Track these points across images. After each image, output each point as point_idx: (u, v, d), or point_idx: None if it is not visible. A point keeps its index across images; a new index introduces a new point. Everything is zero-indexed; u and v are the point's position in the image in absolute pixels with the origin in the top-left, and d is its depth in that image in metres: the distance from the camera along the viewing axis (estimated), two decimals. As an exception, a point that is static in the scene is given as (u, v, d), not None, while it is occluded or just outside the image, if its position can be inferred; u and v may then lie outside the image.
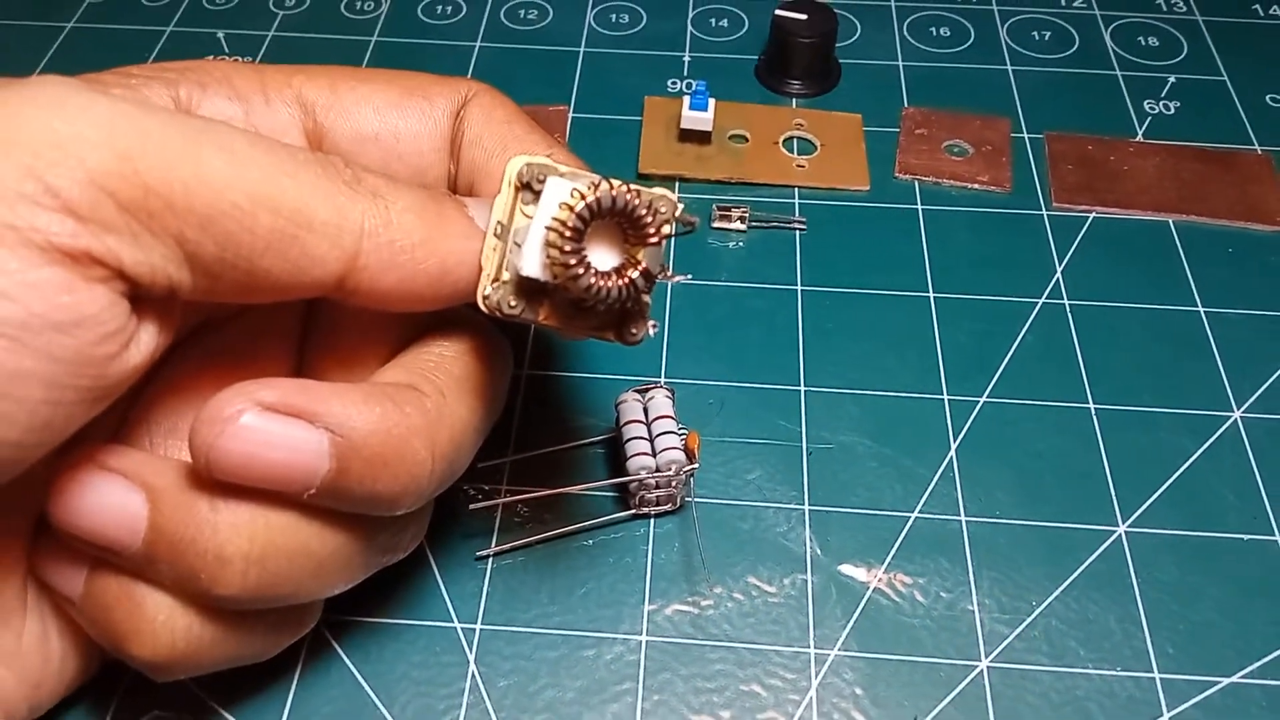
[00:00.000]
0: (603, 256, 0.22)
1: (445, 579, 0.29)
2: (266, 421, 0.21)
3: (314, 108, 0.26)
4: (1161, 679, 0.28)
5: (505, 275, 0.23)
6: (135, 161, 0.19)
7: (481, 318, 0.24)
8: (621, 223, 0.22)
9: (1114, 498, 0.31)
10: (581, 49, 0.46)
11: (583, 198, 0.21)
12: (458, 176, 0.27)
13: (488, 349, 0.26)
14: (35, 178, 0.19)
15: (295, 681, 0.27)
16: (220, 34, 0.47)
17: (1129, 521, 0.31)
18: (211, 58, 0.26)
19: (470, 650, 0.28)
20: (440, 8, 0.48)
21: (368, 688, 0.27)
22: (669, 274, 0.23)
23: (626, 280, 0.22)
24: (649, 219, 0.21)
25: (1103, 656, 0.28)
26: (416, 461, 0.23)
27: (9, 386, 0.19)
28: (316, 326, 0.27)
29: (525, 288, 0.22)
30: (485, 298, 0.23)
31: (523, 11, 0.48)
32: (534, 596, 0.29)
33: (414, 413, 0.23)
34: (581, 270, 0.21)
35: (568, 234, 0.21)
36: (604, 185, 0.21)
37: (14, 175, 0.18)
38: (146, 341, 0.21)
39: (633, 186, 0.22)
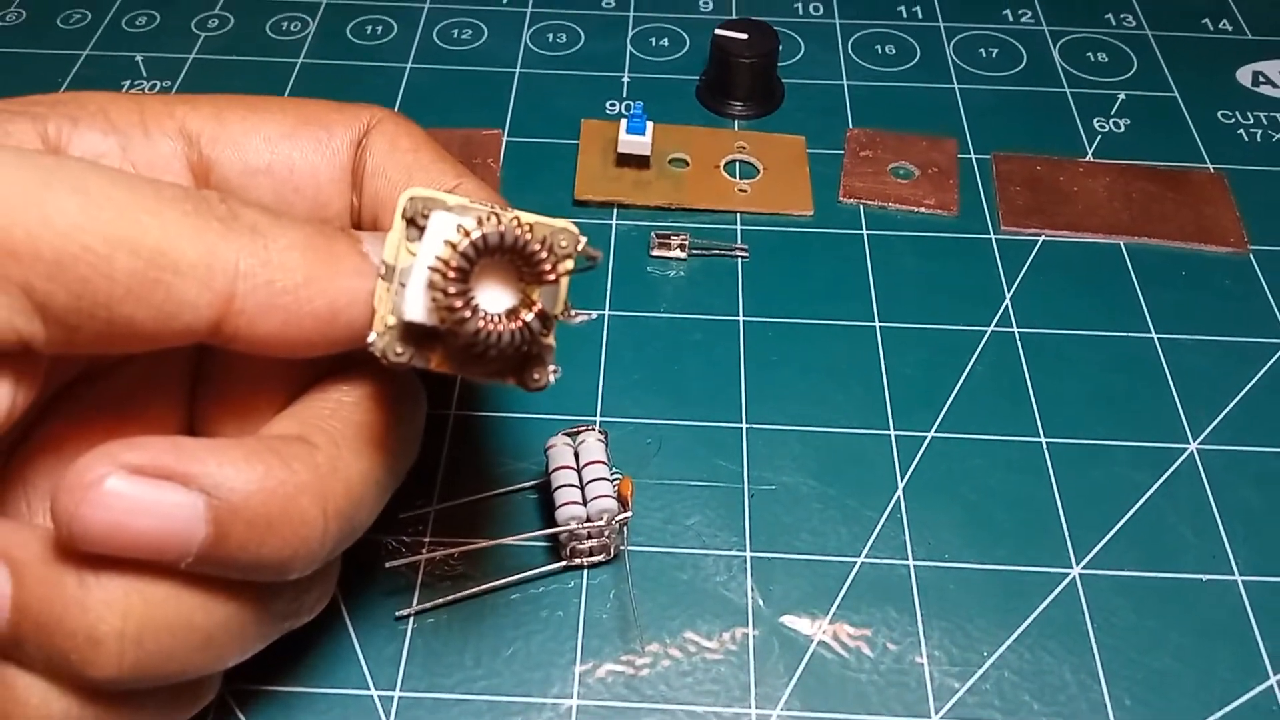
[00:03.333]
0: (496, 296, 0.20)
1: (361, 641, 0.28)
2: (133, 486, 0.19)
3: (199, 139, 0.24)
4: (1119, 732, 0.26)
5: (391, 320, 0.21)
6: None
7: None
8: (515, 260, 0.20)
9: (1068, 537, 0.30)
10: (517, 70, 0.45)
11: (467, 234, 0.19)
12: (361, 210, 0.25)
13: (393, 394, 0.24)
14: None
15: (198, 758, 0.25)
16: (139, 57, 0.45)
17: (1083, 563, 0.29)
18: (101, 90, 0.25)
19: None
20: (370, 28, 0.46)
21: (276, 764, 0.25)
22: (571, 314, 0.21)
23: (520, 324, 0.20)
24: (543, 255, 0.20)
25: (1058, 710, 0.27)
26: (305, 522, 0.21)
27: None
28: (207, 374, 0.25)
29: (413, 333, 0.21)
30: (371, 344, 0.21)
31: (456, 31, 0.46)
32: (457, 659, 0.27)
33: (302, 469, 0.21)
34: (468, 314, 0.19)
35: (451, 275, 0.19)
36: (492, 220, 0.20)
37: None
38: (1, 401, 0.19)
39: (527, 219, 0.20)
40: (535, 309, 0.20)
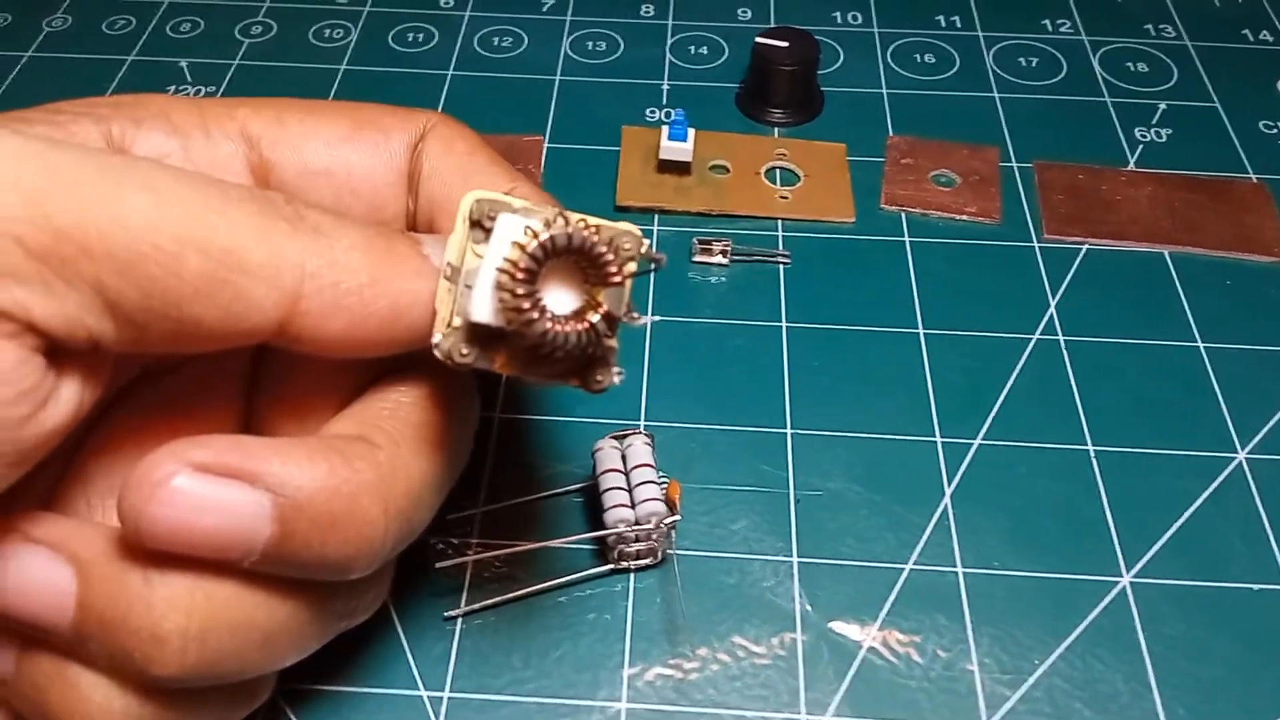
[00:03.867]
0: (561, 298, 0.20)
1: (411, 642, 0.28)
2: (200, 484, 0.20)
3: (259, 142, 0.24)
4: (1172, 742, 0.26)
5: (456, 321, 0.21)
6: (45, 204, 0.18)
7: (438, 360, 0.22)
8: (580, 262, 0.20)
9: (1117, 546, 0.30)
10: (557, 77, 0.45)
11: (535, 236, 0.19)
12: (417, 213, 0.25)
13: (449, 394, 0.24)
14: None
15: (249, 756, 0.26)
16: (183, 63, 0.45)
17: (1133, 571, 0.29)
18: (157, 92, 0.25)
19: (438, 720, 0.26)
20: (411, 35, 0.47)
21: (327, 763, 0.26)
22: (634, 316, 0.21)
23: (586, 325, 0.20)
24: (610, 257, 0.20)
25: (1110, 718, 0.26)
26: (368, 521, 0.21)
27: None
28: (266, 374, 0.25)
29: (478, 334, 0.21)
30: (436, 345, 0.21)
31: (496, 39, 0.47)
32: (506, 660, 0.27)
33: (365, 468, 0.21)
34: (536, 315, 0.20)
35: (519, 276, 0.19)
36: (559, 222, 0.20)
37: None
38: (68, 399, 0.19)
39: (592, 222, 0.20)
40: (601, 311, 0.20)
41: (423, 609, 0.28)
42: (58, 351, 0.19)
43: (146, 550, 0.20)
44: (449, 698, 0.27)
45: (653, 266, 0.21)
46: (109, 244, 0.18)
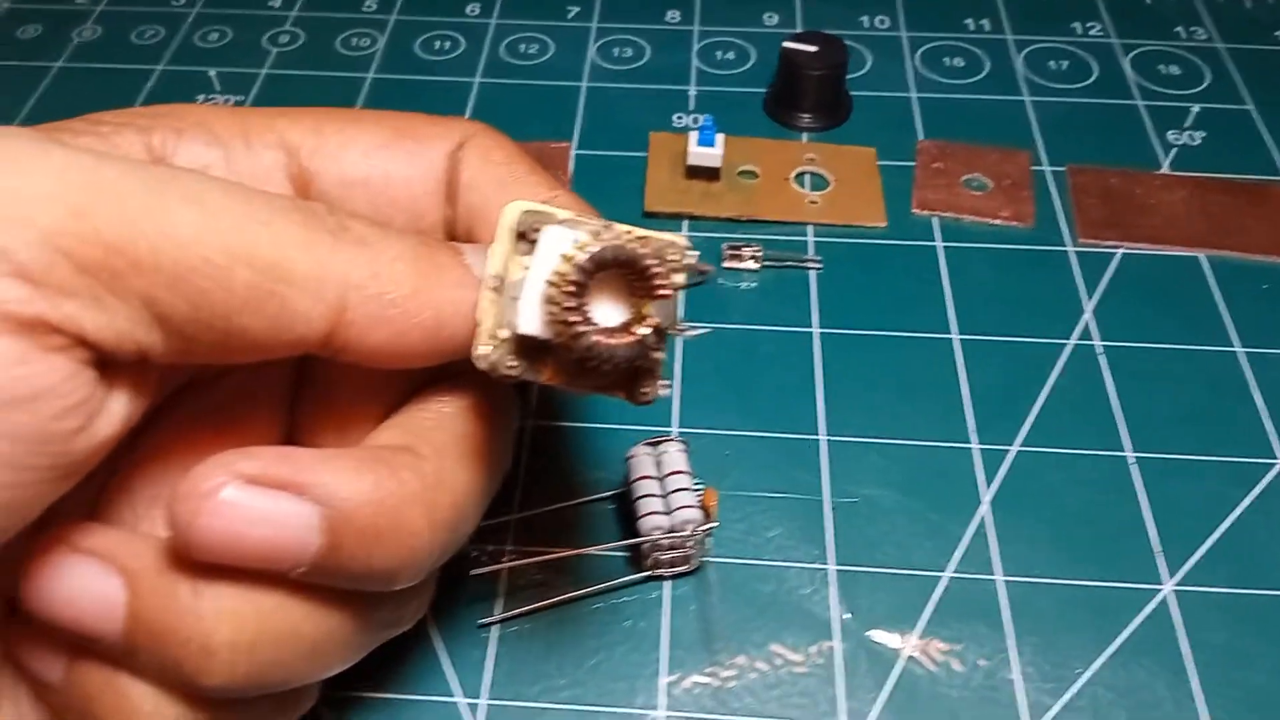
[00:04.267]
0: (608, 310, 0.20)
1: (448, 648, 0.27)
2: (249, 495, 0.20)
3: (298, 151, 0.24)
4: (1217, 752, 0.26)
5: (503, 333, 0.21)
6: (93, 218, 0.18)
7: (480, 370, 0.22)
8: (628, 274, 0.20)
9: (1158, 554, 0.29)
10: (584, 84, 0.45)
11: (583, 248, 0.19)
12: (456, 222, 0.25)
13: (491, 404, 0.24)
14: None
15: (285, 765, 0.25)
16: (212, 72, 0.45)
17: (1175, 579, 0.29)
18: (193, 102, 0.25)
19: (474, 728, 0.26)
20: (438, 43, 0.47)
21: (363, 772, 0.25)
22: (682, 328, 0.21)
23: (635, 338, 0.20)
24: (658, 269, 0.20)
25: (1154, 727, 0.26)
26: (414, 532, 0.21)
27: None
28: (308, 383, 0.25)
29: (525, 346, 0.21)
30: (481, 357, 0.21)
31: (523, 46, 0.47)
32: (542, 667, 0.27)
33: (411, 478, 0.21)
34: (584, 328, 0.19)
35: (567, 289, 0.19)
36: (607, 234, 0.19)
37: None
38: (117, 411, 0.19)
39: (640, 233, 0.20)
40: (649, 323, 0.20)
41: (458, 615, 0.28)
42: (107, 364, 0.19)
43: (195, 561, 0.20)
44: (487, 705, 0.26)
45: (699, 278, 0.20)
46: (158, 257, 0.18)
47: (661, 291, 0.20)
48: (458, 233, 0.25)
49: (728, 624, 0.28)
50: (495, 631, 0.28)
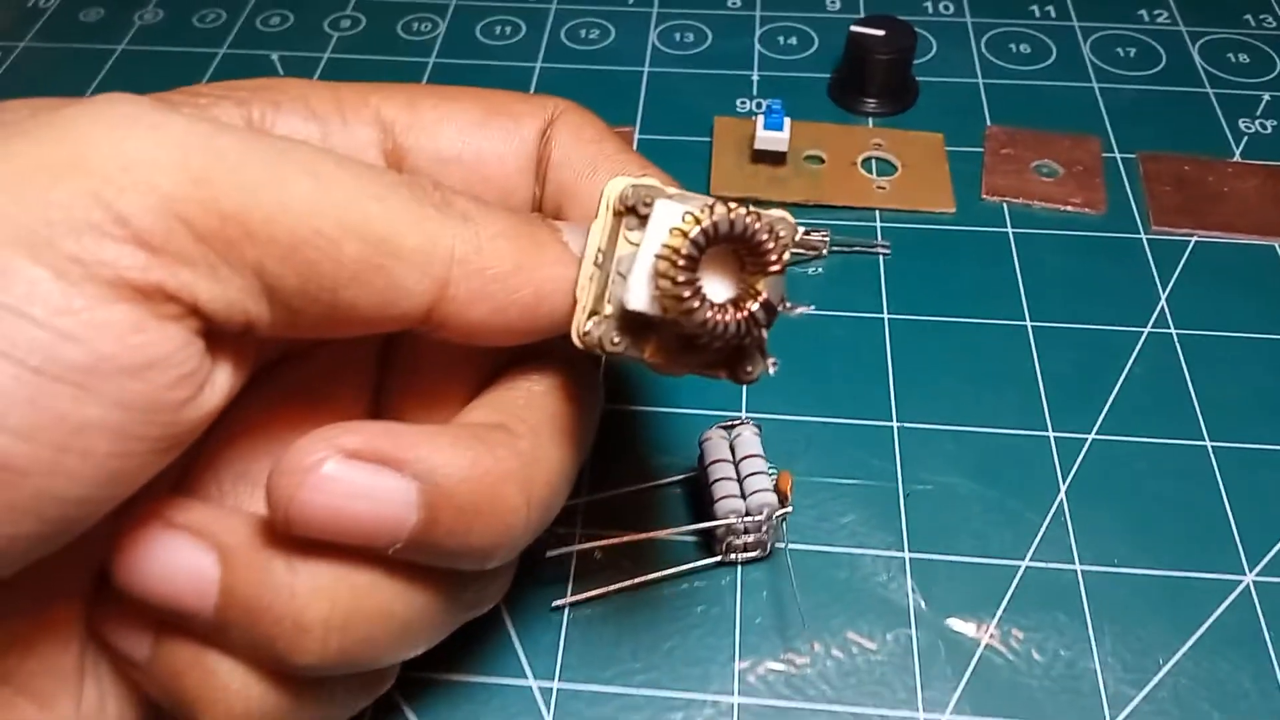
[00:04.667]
0: (717, 286, 0.20)
1: (519, 631, 0.27)
2: (350, 470, 0.19)
3: (393, 127, 0.24)
4: (1305, 745, 0.25)
5: (607, 309, 0.20)
6: (212, 186, 0.17)
7: (570, 349, 0.22)
8: (739, 249, 0.19)
9: (1239, 544, 0.29)
10: (646, 69, 0.44)
11: (697, 222, 0.19)
12: (544, 200, 0.25)
13: (579, 383, 0.24)
14: (103, 205, 0.17)
15: (360, 743, 0.25)
16: (274, 56, 0.46)
17: (1256, 569, 0.28)
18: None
19: (548, 711, 0.26)
20: (499, 28, 0.47)
21: (439, 751, 0.25)
22: (791, 306, 0.20)
23: (745, 314, 0.19)
24: (770, 245, 0.19)
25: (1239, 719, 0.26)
26: (511, 510, 0.21)
27: (73, 439, 0.17)
28: (395, 360, 0.25)
29: (630, 323, 0.20)
30: (585, 334, 0.20)
31: (584, 31, 0.46)
32: (614, 651, 0.27)
33: (507, 456, 0.21)
34: (697, 304, 0.19)
35: (681, 263, 0.19)
36: (720, 208, 0.19)
37: (80, 202, 0.17)
38: (222, 383, 0.19)
39: (751, 208, 0.19)
40: (761, 299, 0.19)
41: (529, 598, 0.28)
42: (214, 335, 0.19)
43: (290, 537, 0.20)
44: (558, 688, 0.26)
45: (811, 254, 0.20)
46: (273, 228, 0.18)
47: (774, 267, 0.19)
48: (545, 211, 0.25)
49: (802, 610, 0.28)
50: (566, 614, 0.28)
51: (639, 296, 0.20)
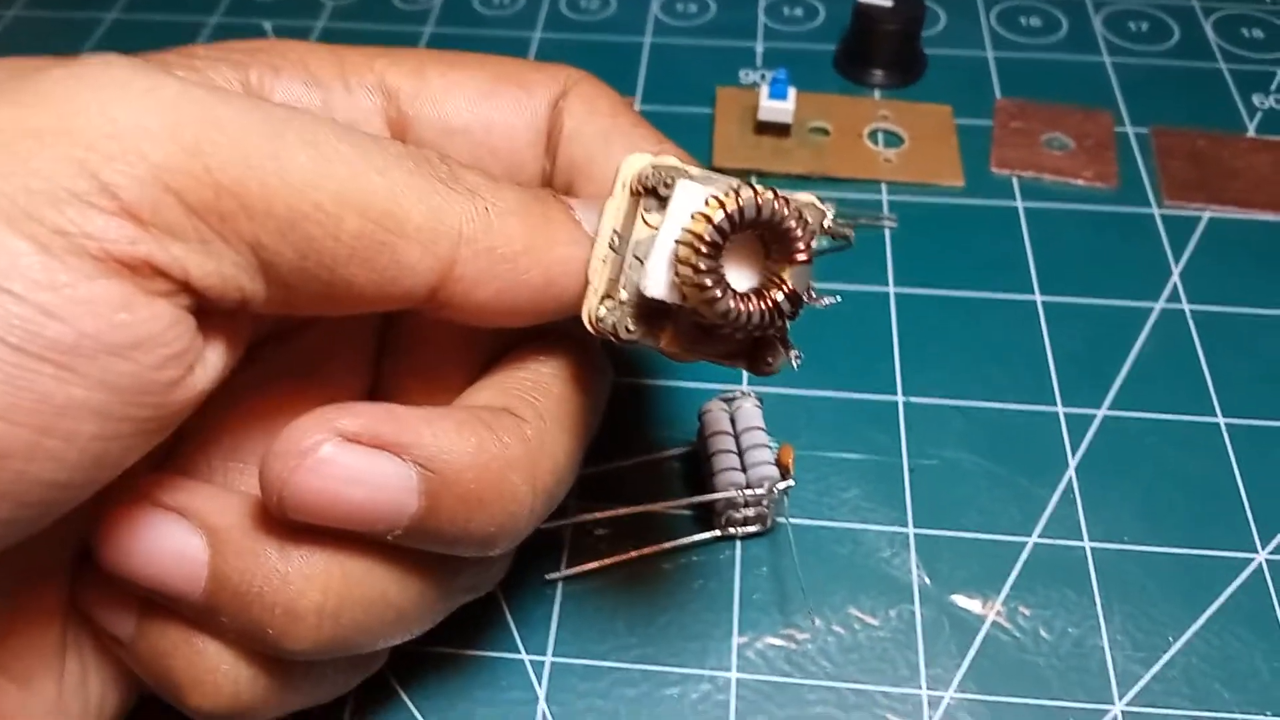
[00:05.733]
0: (739, 274, 0.19)
1: (511, 604, 0.27)
2: (348, 454, 0.19)
3: (398, 95, 0.23)
4: (1318, 727, 0.25)
5: (622, 294, 0.19)
6: (206, 156, 0.17)
7: (578, 329, 0.21)
8: (764, 235, 0.18)
9: (1251, 521, 0.28)
10: (647, 39, 0.44)
11: (721, 206, 0.18)
12: (554, 175, 0.24)
13: (588, 364, 0.23)
14: (89, 174, 0.16)
15: (347, 717, 0.25)
16: (267, 25, 0.45)
17: (1269, 547, 0.27)
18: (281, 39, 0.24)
19: (540, 685, 0.25)
20: (498, -3, 0.46)
21: (428, 726, 0.25)
22: (815, 296, 0.19)
23: (770, 304, 0.18)
24: (799, 233, 0.18)
25: (1250, 699, 0.25)
26: (515, 498, 0.20)
27: (56, 421, 0.16)
28: (395, 338, 0.24)
29: (646, 310, 0.19)
30: (598, 320, 0.19)
31: (583, 1, 0.46)
32: (610, 625, 0.26)
33: (513, 443, 0.20)
34: (719, 293, 0.18)
35: (704, 250, 0.18)
36: (746, 191, 0.18)
37: (64, 171, 0.16)
38: (213, 363, 0.18)
39: (779, 192, 0.18)
40: (786, 289, 0.18)
41: (523, 570, 0.27)
42: (205, 313, 0.18)
43: (283, 522, 0.19)
44: (551, 662, 0.26)
45: (840, 244, 0.19)
46: (270, 202, 0.17)
47: (801, 256, 0.18)
48: (556, 185, 0.24)
49: (803, 586, 0.27)
50: (561, 588, 0.27)
51: (658, 283, 0.19)
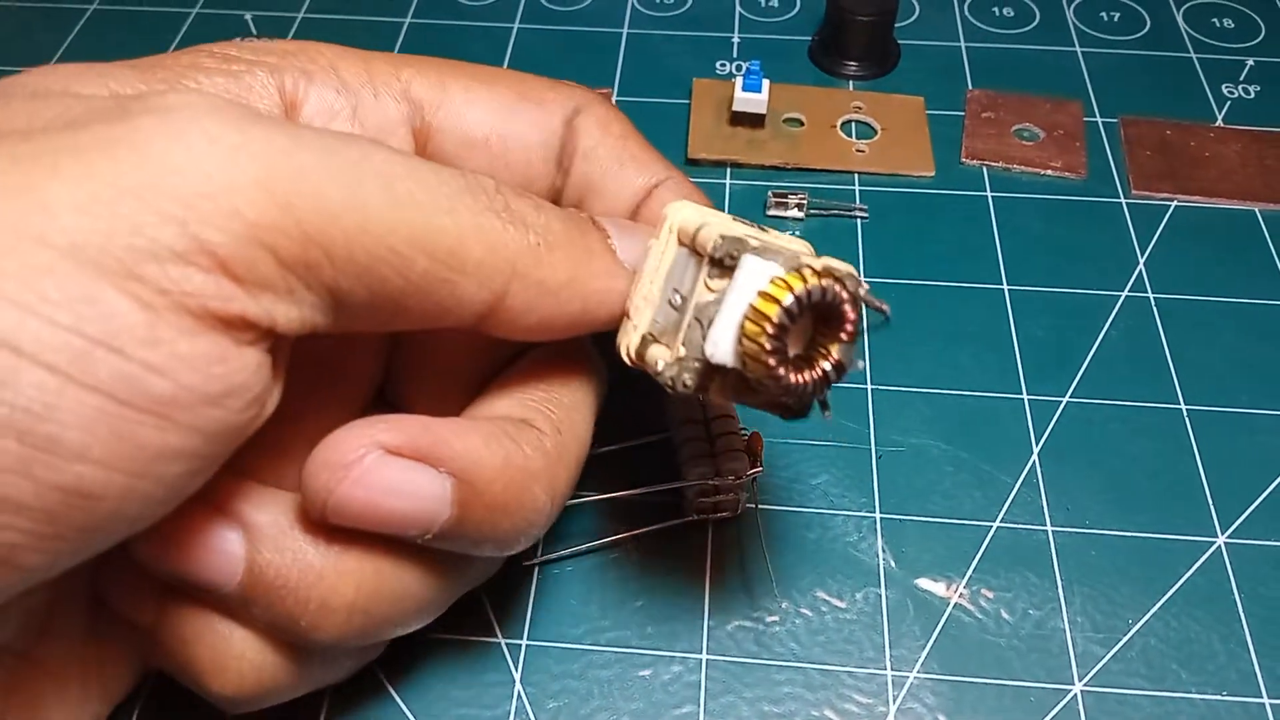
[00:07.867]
0: (791, 342, 0.20)
1: (488, 588, 0.27)
2: (390, 467, 0.20)
3: (422, 105, 0.24)
4: (1271, 704, 0.25)
5: (681, 350, 0.20)
6: (295, 210, 0.17)
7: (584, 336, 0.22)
8: (822, 313, 0.19)
9: (1211, 506, 0.29)
10: (624, 30, 0.44)
11: (788, 288, 0.19)
12: (565, 190, 0.25)
13: (591, 374, 0.24)
14: (188, 234, 0.16)
15: (326, 701, 0.25)
16: (248, 15, 0.45)
17: (1228, 532, 0.28)
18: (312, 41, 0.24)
19: (516, 668, 0.26)
20: (477, -12, 0.46)
21: (405, 708, 0.25)
22: (859, 364, 0.20)
23: (819, 373, 0.19)
24: (853, 315, 0.19)
25: (1206, 680, 0.26)
26: (536, 506, 0.21)
27: (151, 466, 0.16)
28: (408, 340, 0.25)
29: (706, 368, 0.20)
30: (659, 373, 0.20)
31: (562, -8, 0.46)
32: (584, 609, 0.27)
33: (535, 455, 0.21)
34: (782, 371, 0.19)
35: (771, 331, 0.19)
36: (810, 276, 0.19)
37: (165, 230, 0.16)
38: (277, 394, 0.19)
39: (821, 262, 0.19)
40: (833, 359, 0.19)
41: (499, 557, 0.28)
42: (275, 349, 0.18)
43: (320, 521, 0.20)
44: (527, 644, 0.26)
45: (880, 320, 0.20)
46: (352, 249, 0.18)
47: (848, 333, 0.19)
48: (566, 200, 0.25)
49: (772, 570, 0.27)
50: (536, 573, 0.28)
51: (725, 353, 0.19)
